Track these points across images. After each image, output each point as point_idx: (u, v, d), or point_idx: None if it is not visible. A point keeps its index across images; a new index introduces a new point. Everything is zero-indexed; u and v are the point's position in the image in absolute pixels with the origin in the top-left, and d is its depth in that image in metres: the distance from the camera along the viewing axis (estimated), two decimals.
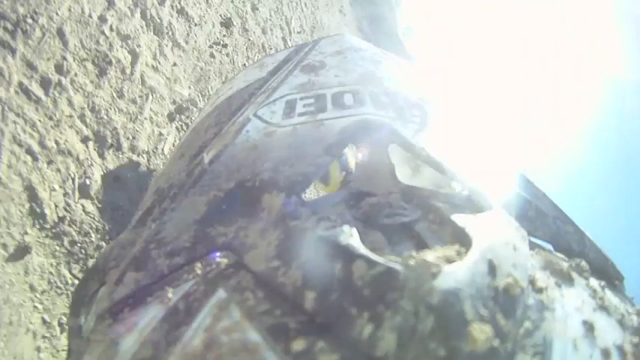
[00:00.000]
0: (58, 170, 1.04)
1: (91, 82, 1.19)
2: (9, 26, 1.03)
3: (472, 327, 0.17)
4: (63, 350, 0.99)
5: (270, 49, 1.98)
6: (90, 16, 1.22)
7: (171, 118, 1.33)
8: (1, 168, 0.94)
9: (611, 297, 0.28)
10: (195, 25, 1.53)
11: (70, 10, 1.18)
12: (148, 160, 1.24)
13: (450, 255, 0.20)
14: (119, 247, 0.30)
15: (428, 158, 0.32)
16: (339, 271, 0.20)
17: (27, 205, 0.99)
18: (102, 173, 1.12)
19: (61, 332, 0.99)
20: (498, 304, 0.19)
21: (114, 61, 1.24)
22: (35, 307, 0.97)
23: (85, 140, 1.13)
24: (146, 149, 1.24)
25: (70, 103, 1.12)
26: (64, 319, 1.01)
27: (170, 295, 0.25)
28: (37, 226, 0.99)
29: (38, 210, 0.99)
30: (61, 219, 1.02)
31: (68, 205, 1.03)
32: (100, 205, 1.09)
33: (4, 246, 0.96)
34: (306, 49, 0.51)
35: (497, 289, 0.20)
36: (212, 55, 1.57)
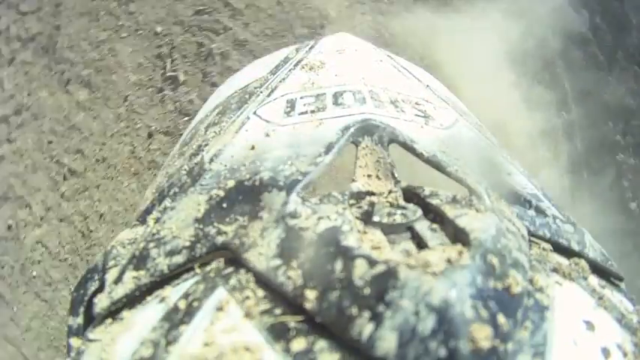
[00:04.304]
0: None
1: None
2: None
3: (472, 327, 0.17)
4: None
5: None
6: None
7: None
8: None
9: (610, 296, 0.28)
10: None
11: None
12: None
13: (450, 255, 0.20)
14: (119, 246, 0.30)
15: (428, 158, 0.32)
16: (340, 271, 0.20)
17: None
18: None
19: None
20: (499, 304, 0.19)
21: None
22: None
23: None
24: None
25: None
26: None
27: (170, 294, 0.25)
28: None
29: None
30: None
31: None
32: None
33: None
34: (306, 48, 0.51)
35: (497, 289, 0.20)
36: None
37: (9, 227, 0.85)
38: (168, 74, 1.00)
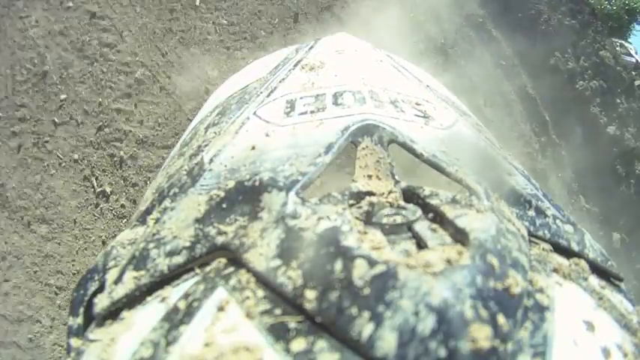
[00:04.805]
0: None
1: None
2: None
3: (472, 327, 0.17)
4: None
5: None
6: None
7: None
8: None
9: (610, 297, 0.28)
10: None
11: None
12: None
13: (450, 255, 0.20)
14: (119, 247, 0.30)
15: (428, 158, 0.32)
16: (339, 271, 0.20)
17: None
18: None
19: None
20: (498, 304, 0.19)
21: None
22: None
23: None
24: None
25: None
26: None
27: (170, 294, 0.25)
28: None
29: None
30: None
31: None
32: None
33: None
34: (306, 49, 0.51)
35: (497, 289, 0.20)
36: None
37: (30, 340, 1.12)
38: (97, 190, 1.25)
